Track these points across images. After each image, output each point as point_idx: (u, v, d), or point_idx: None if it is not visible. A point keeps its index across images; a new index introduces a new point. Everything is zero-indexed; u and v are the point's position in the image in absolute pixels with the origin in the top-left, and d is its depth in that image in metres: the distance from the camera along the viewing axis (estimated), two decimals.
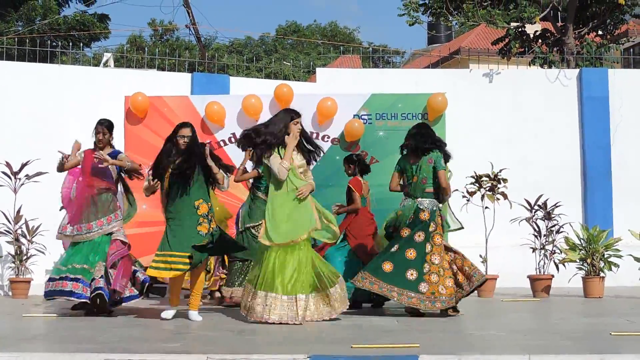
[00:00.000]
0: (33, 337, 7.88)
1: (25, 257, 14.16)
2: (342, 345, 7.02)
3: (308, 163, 9.98)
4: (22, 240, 14.21)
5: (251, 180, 12.08)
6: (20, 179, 14.11)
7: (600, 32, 22.46)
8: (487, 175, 13.99)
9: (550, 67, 20.04)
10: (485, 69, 17.54)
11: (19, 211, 14.15)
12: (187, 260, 9.42)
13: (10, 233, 14.15)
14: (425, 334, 8.08)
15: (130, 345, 7.07)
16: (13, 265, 14.25)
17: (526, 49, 22.28)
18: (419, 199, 10.42)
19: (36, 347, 6.95)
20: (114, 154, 10.79)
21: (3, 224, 14.16)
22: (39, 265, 14.44)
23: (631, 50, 35.97)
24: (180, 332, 8.23)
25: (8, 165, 14.08)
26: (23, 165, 14.08)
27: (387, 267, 10.13)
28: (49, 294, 10.47)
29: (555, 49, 21.56)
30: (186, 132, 10.05)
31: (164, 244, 9.55)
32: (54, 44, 32.91)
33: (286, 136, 9.76)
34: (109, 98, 15.27)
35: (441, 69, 19.74)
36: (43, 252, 14.27)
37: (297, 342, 7.43)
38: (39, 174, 14.04)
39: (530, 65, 21.87)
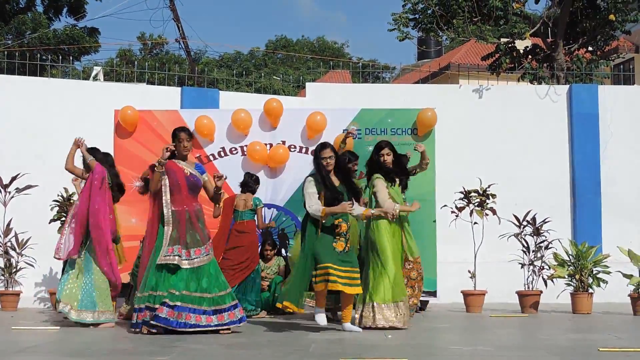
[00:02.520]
0: (22, 349, 7.90)
1: (14, 270, 14.19)
2: (331, 359, 7.06)
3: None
4: (12, 253, 14.24)
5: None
6: (10, 192, 14.15)
7: (590, 48, 22.56)
8: (476, 191, 14.04)
9: (540, 83, 20.13)
10: (475, 85, 17.63)
11: (8, 224, 14.19)
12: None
13: (0, 246, 14.18)
14: (414, 349, 8.12)
15: (118, 358, 7.10)
16: (2, 277, 14.28)
17: (516, 64, 22.38)
18: None
19: (25, 358, 6.97)
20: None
21: None
22: (28, 278, 14.50)
23: (621, 66, 36.14)
24: (168, 346, 8.25)
25: None
26: (13, 179, 14.12)
27: None
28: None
29: (545, 64, 21.66)
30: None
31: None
32: (44, 57, 32.98)
33: None
34: (98, 112, 15.32)
35: (431, 85, 19.75)
36: (32, 265, 14.32)
37: (286, 356, 7.46)
38: (28, 187, 14.09)
39: (520, 81, 21.97)
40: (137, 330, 9.60)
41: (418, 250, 11.07)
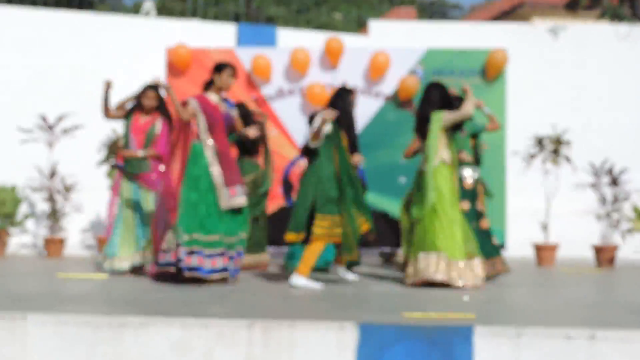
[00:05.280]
0: (68, 298, 7.98)
1: (60, 215, 14.32)
2: (393, 314, 7.05)
3: None
4: (58, 197, 14.37)
5: None
6: (56, 133, 14.23)
7: None
8: (550, 138, 13.91)
9: (620, 22, 19.82)
10: (550, 24, 17.38)
11: (54, 167, 14.29)
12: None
13: (45, 190, 14.30)
14: (481, 304, 8.09)
15: (171, 308, 7.15)
16: (48, 223, 14.44)
17: (595, 2, 22.03)
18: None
19: (71, 307, 7.02)
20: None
21: (38, 180, 14.32)
22: (75, 224, 14.64)
23: None
24: (223, 295, 8.30)
25: (43, 118, 14.20)
26: (59, 119, 14.20)
27: None
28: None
29: (626, 2, 21.30)
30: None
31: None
32: None
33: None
34: (149, 50, 15.34)
35: (502, 24, 19.58)
36: (79, 210, 14.45)
37: (345, 309, 7.48)
38: (75, 127, 14.16)
39: (598, 20, 21.65)
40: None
41: None
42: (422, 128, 10.23)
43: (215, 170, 9.70)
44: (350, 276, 10.17)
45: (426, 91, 10.33)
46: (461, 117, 9.95)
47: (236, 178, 9.82)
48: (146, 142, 10.72)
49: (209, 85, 10.05)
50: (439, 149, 9.97)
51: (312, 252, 9.51)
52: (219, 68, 9.96)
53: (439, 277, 9.57)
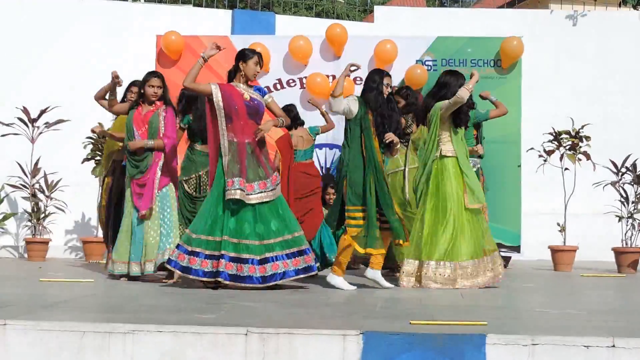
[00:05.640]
0: (51, 304, 7.96)
1: (43, 215, 14.31)
2: (399, 321, 7.03)
3: None
4: (40, 196, 14.35)
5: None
6: (38, 127, 14.22)
7: None
8: (568, 132, 13.89)
9: None
10: (569, 10, 17.38)
11: (36, 163, 14.27)
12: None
13: (27, 188, 14.29)
14: (494, 311, 8.09)
15: (161, 315, 7.14)
16: (29, 224, 14.40)
17: None
18: None
19: (54, 315, 7.00)
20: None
21: (19, 177, 14.29)
22: (58, 225, 14.62)
23: None
24: (218, 302, 8.29)
25: (25, 111, 14.17)
26: (42, 112, 14.17)
27: None
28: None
29: None
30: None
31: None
32: None
33: None
34: (138, 37, 15.34)
35: (517, 9, 19.58)
36: (63, 210, 14.43)
37: (348, 316, 7.47)
38: (59, 121, 14.14)
39: (621, 5, 21.62)
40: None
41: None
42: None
43: (224, 161, 9.65)
44: (382, 281, 10.15)
45: (439, 78, 10.54)
46: (455, 103, 9.99)
47: (239, 171, 9.63)
48: (150, 133, 10.57)
49: (233, 74, 10.00)
50: (442, 143, 10.09)
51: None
52: (244, 56, 9.90)
53: (404, 283, 10.18)
